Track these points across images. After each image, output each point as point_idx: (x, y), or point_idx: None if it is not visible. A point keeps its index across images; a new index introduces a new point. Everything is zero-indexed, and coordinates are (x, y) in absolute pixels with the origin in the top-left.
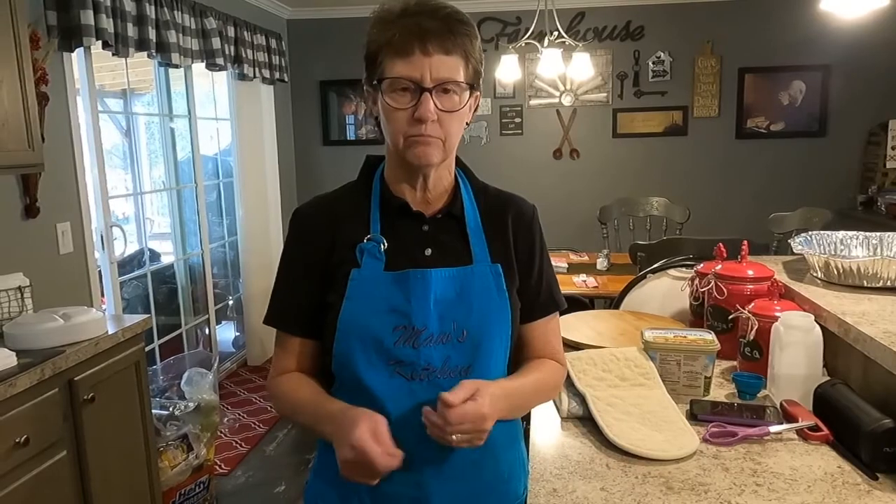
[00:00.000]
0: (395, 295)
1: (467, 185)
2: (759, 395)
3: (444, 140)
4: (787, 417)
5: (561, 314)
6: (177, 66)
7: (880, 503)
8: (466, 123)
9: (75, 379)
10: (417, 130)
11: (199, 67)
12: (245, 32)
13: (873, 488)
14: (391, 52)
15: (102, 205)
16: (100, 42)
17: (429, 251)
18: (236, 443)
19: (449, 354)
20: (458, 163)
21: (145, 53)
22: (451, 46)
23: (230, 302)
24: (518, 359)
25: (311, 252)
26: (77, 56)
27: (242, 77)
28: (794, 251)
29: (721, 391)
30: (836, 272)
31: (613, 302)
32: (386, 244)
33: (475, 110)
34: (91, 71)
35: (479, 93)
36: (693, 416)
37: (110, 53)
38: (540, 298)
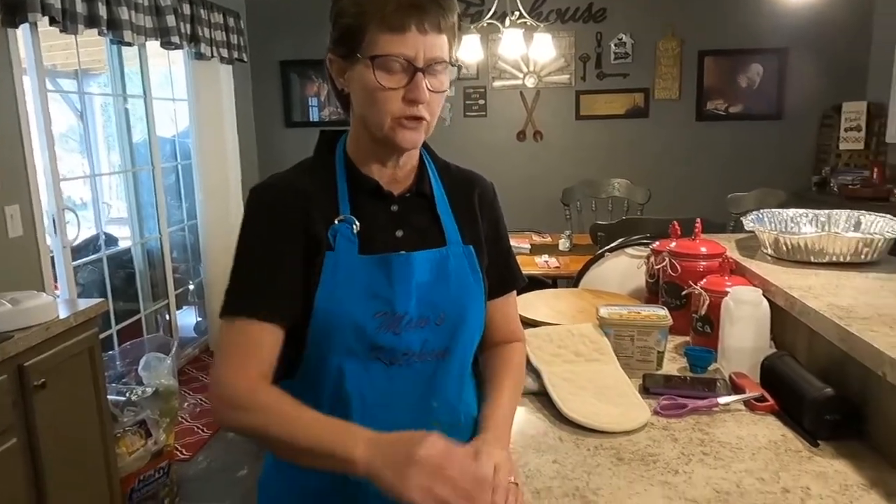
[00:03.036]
0: (376, 280)
1: (431, 163)
2: (710, 368)
3: (428, 121)
4: (736, 389)
5: (520, 292)
6: (129, 45)
7: (819, 468)
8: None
9: (25, 364)
10: (410, 112)
11: (154, 47)
12: (202, 10)
13: (814, 454)
14: (384, 27)
15: (54, 187)
16: (46, 18)
17: (400, 233)
18: (198, 428)
19: (426, 338)
20: None
21: (96, 31)
22: (444, 25)
23: (191, 286)
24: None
25: (277, 231)
26: (23, 32)
27: (200, 56)
28: (746, 228)
29: (674, 365)
30: (784, 248)
31: (573, 281)
32: (358, 225)
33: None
34: (38, 49)
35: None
36: (645, 390)
37: (58, 30)
38: (504, 275)
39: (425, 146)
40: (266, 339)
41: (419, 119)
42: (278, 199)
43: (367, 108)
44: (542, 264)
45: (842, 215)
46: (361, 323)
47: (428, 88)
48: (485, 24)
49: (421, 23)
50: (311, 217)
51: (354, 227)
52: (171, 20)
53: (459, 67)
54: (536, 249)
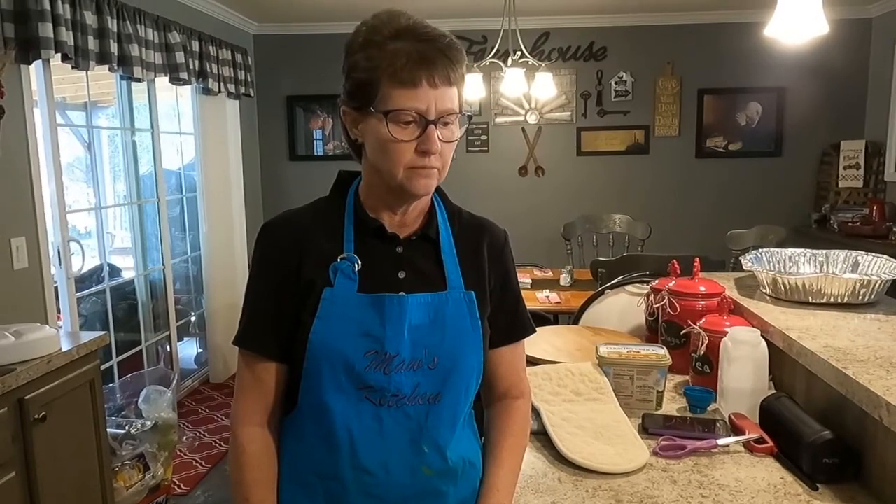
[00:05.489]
0: (369, 319)
1: (442, 208)
2: (709, 408)
3: (440, 169)
4: (735, 430)
5: None
6: (139, 80)
7: None
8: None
9: (26, 398)
10: (422, 162)
11: (162, 81)
12: (210, 47)
13: (813, 499)
14: (396, 82)
15: (60, 219)
16: (59, 55)
17: (402, 274)
18: (196, 462)
19: (419, 381)
20: None
21: (106, 67)
22: (453, 77)
23: (193, 318)
24: (484, 384)
25: (281, 268)
26: (35, 68)
27: (207, 91)
28: (745, 268)
29: (673, 405)
30: (783, 288)
31: (573, 317)
32: (360, 264)
33: None
34: (50, 84)
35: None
36: (645, 430)
37: (70, 66)
38: (511, 324)
39: (437, 190)
40: (266, 375)
41: (430, 168)
42: (279, 239)
43: (381, 159)
44: (544, 300)
45: (840, 255)
46: (351, 360)
47: (440, 139)
48: (487, 63)
49: (431, 77)
50: (309, 256)
51: (356, 265)
52: (179, 57)
53: (470, 117)
54: (538, 284)
